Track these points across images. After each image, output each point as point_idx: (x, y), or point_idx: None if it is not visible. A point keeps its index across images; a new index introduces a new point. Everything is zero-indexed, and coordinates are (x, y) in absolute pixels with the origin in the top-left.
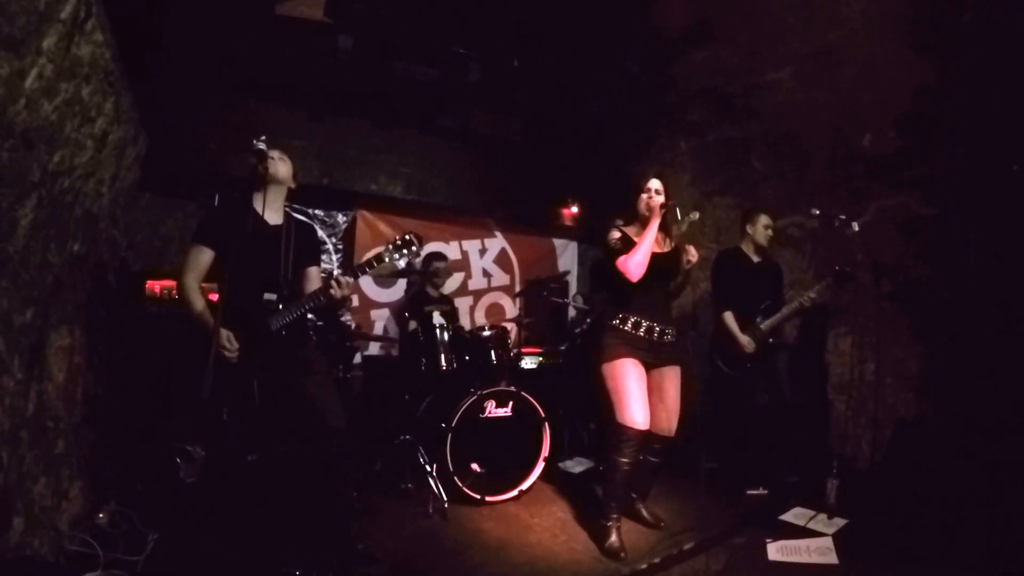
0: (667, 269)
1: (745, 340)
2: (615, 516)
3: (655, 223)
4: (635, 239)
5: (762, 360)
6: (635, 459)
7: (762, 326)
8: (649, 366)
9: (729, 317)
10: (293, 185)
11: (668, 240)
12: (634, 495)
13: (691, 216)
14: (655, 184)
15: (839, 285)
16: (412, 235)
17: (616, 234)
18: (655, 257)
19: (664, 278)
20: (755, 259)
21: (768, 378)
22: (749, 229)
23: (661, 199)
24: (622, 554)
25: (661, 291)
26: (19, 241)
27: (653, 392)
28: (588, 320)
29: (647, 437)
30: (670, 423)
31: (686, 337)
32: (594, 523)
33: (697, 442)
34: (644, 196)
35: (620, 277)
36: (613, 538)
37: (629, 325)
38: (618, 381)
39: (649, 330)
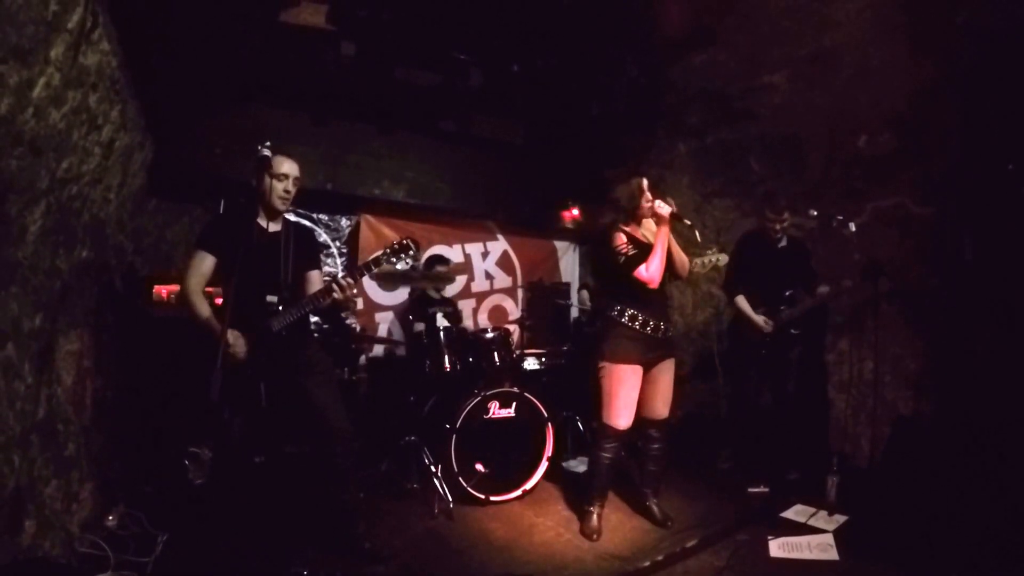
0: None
1: (761, 320)
2: (598, 503)
3: (665, 229)
4: (639, 238)
5: (776, 351)
6: (616, 454)
7: (784, 316)
8: (649, 364)
9: (742, 300)
10: None
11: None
12: (646, 491)
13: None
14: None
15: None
16: (409, 240)
17: (622, 238)
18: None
19: (666, 270)
20: (781, 243)
21: (777, 372)
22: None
23: (666, 202)
24: (595, 536)
25: (662, 287)
26: (28, 247)
27: (648, 383)
28: (598, 322)
29: (641, 423)
30: (664, 408)
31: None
32: (579, 507)
33: (714, 442)
34: (646, 204)
35: (635, 281)
36: (593, 522)
37: (638, 324)
38: (614, 385)
39: (655, 328)
